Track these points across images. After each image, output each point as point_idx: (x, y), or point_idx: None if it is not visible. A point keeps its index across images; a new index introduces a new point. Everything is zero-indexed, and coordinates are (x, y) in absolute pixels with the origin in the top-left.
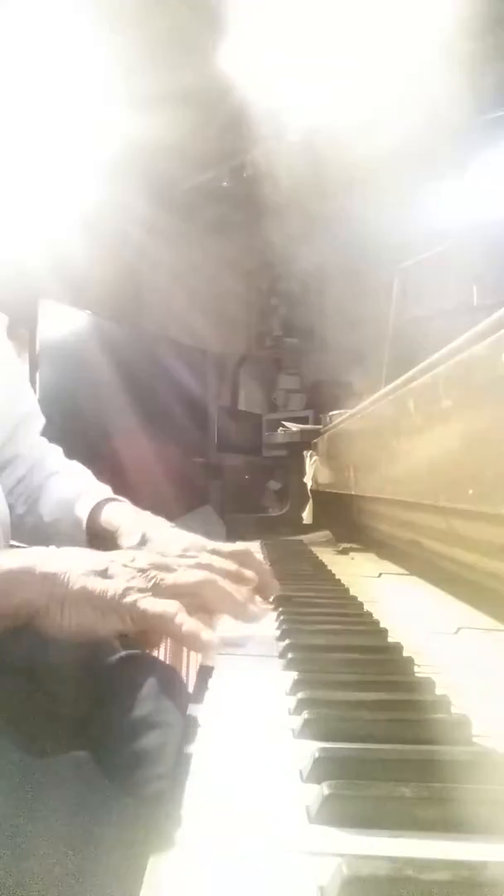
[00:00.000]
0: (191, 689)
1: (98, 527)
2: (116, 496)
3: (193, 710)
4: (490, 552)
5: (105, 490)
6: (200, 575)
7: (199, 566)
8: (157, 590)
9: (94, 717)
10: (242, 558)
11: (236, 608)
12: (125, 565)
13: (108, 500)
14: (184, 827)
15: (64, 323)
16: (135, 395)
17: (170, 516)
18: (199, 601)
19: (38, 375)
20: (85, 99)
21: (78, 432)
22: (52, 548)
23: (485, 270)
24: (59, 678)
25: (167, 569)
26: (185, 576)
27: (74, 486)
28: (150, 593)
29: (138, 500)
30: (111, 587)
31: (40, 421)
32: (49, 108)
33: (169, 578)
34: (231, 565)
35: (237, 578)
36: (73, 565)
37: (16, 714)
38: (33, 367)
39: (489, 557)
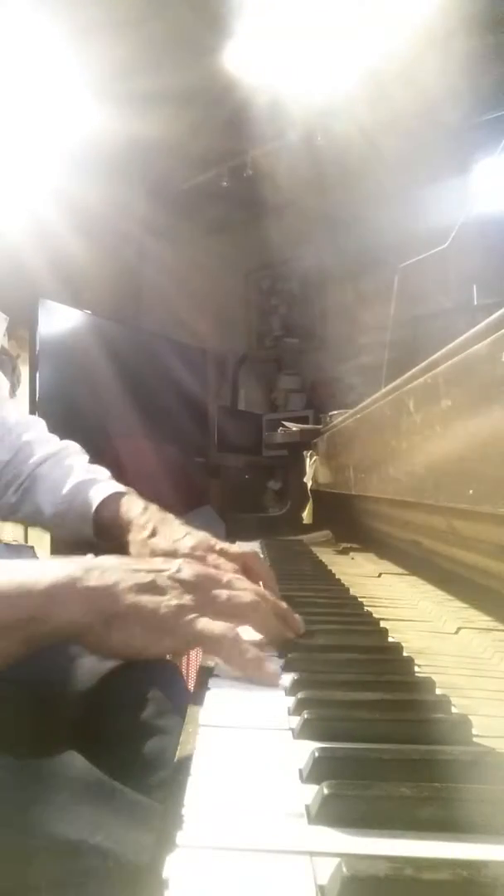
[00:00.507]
0: (191, 688)
1: (107, 521)
2: (121, 487)
3: (194, 710)
4: (490, 552)
5: (104, 475)
6: (251, 596)
7: (240, 580)
8: (211, 607)
9: (95, 719)
10: (248, 560)
11: (279, 635)
12: (172, 577)
13: (116, 493)
14: (184, 827)
15: (64, 323)
16: (135, 395)
17: None
18: (245, 622)
19: (38, 375)
20: (85, 99)
21: (78, 432)
22: (90, 556)
23: (484, 270)
24: (60, 680)
25: (216, 582)
26: (239, 595)
27: (75, 478)
28: (203, 612)
29: None
30: (163, 605)
31: (10, 397)
32: (49, 108)
33: (222, 595)
34: (262, 590)
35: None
36: (119, 579)
37: (14, 717)
38: (33, 367)
39: (489, 557)
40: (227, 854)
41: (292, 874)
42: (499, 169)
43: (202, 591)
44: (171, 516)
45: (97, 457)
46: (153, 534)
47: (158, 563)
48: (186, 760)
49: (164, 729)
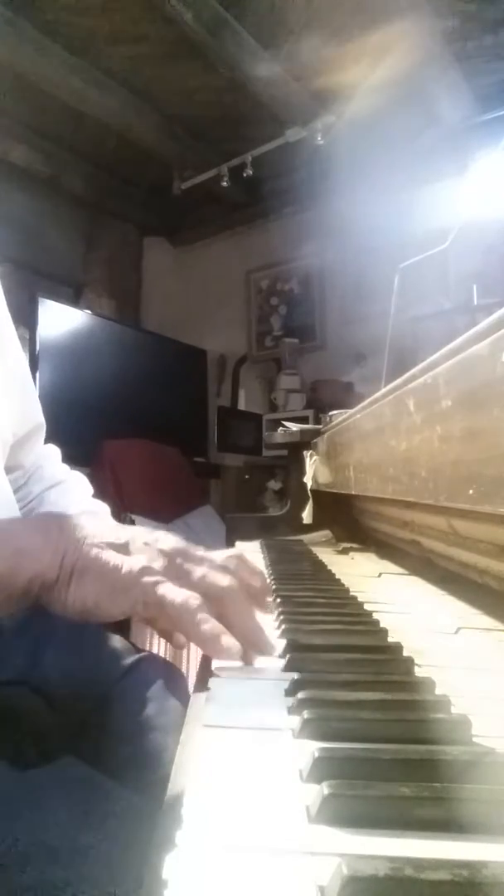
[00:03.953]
0: (191, 689)
1: None
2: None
3: (193, 709)
4: (490, 552)
5: (105, 511)
6: (227, 580)
7: (225, 568)
8: (180, 578)
9: (96, 718)
10: (234, 563)
11: (253, 634)
12: (147, 543)
13: None
14: (184, 827)
15: (64, 323)
16: (134, 395)
17: (170, 516)
18: (217, 608)
19: (37, 376)
20: (86, 97)
21: (77, 432)
22: (65, 513)
23: (484, 270)
24: (61, 681)
25: (193, 559)
26: (213, 576)
27: (78, 511)
28: (171, 579)
29: (138, 500)
30: (127, 563)
31: (44, 432)
32: (48, 106)
33: (196, 571)
34: (258, 579)
35: (260, 595)
36: (91, 533)
37: (14, 719)
38: (33, 368)
39: (489, 557)
40: (226, 854)
41: (292, 874)
42: (499, 168)
43: (178, 561)
44: None
45: (97, 457)
46: None
47: (138, 529)
48: (186, 760)
49: (165, 728)
